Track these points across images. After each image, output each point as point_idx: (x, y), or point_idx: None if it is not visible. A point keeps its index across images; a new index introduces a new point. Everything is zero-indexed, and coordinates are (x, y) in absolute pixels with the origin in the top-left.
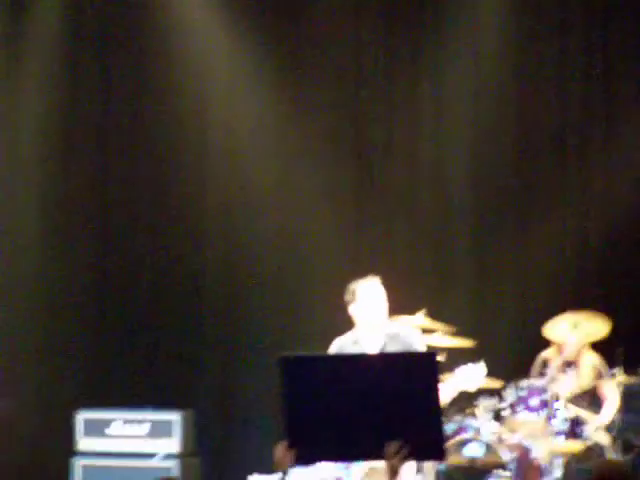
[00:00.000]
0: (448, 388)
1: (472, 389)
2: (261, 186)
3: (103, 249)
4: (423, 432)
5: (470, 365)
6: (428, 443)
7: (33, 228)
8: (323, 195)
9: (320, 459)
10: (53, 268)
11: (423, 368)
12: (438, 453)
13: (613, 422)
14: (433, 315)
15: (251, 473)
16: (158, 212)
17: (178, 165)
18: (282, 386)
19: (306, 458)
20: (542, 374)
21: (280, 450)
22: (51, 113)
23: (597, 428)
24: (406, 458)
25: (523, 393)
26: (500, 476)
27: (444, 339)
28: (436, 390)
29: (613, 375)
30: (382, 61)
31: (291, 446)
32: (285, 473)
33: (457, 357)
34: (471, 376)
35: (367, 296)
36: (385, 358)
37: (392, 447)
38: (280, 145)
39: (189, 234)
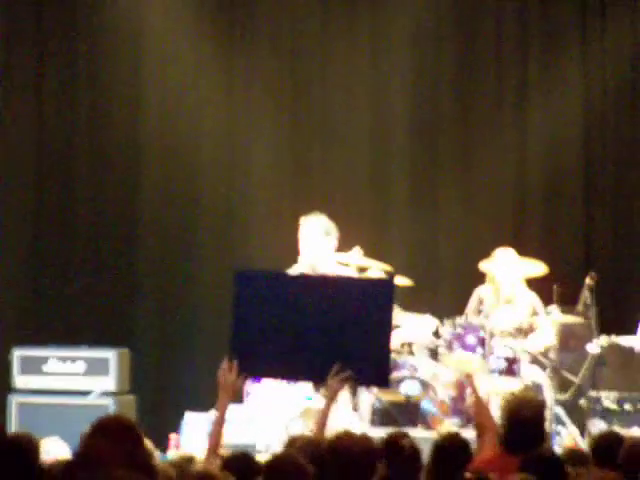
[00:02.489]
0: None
1: (418, 342)
2: (201, 127)
3: (39, 181)
4: (369, 358)
5: (417, 317)
6: (373, 369)
7: None
8: (263, 137)
9: (263, 375)
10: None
11: (378, 294)
12: (382, 380)
13: (550, 360)
14: (370, 253)
15: (187, 410)
16: (96, 146)
17: (116, 111)
18: (234, 300)
19: (249, 371)
20: (478, 311)
21: (225, 366)
22: None
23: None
24: (347, 381)
25: (460, 330)
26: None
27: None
28: (389, 318)
29: (549, 313)
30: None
31: (237, 359)
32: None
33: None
34: (418, 329)
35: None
36: (341, 281)
37: (334, 370)
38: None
39: (128, 171)
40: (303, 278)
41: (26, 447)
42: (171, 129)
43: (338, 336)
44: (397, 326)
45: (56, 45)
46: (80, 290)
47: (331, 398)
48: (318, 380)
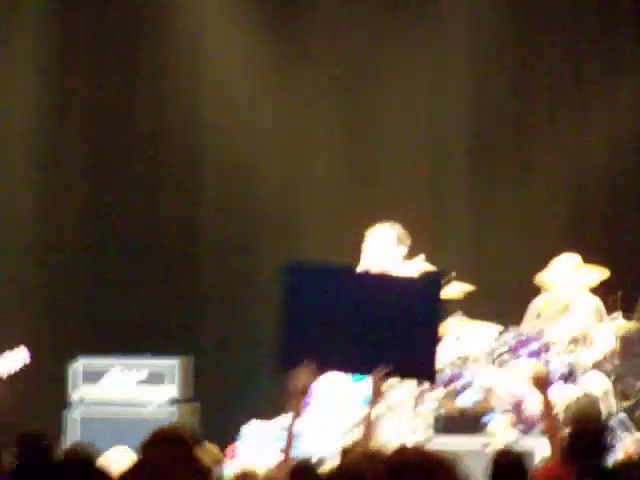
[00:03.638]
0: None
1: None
2: (259, 138)
3: (98, 192)
4: (416, 352)
5: (478, 326)
6: (419, 363)
7: (29, 166)
8: (320, 146)
9: (317, 368)
10: (49, 211)
11: (427, 291)
12: (428, 374)
13: (612, 368)
14: (431, 260)
15: (248, 418)
16: (155, 160)
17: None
18: (284, 293)
19: (296, 364)
20: (535, 319)
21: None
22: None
23: (589, 368)
24: (389, 376)
25: (521, 338)
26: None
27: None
28: (437, 315)
29: (613, 319)
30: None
31: (285, 352)
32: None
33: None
34: (479, 338)
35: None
36: (390, 277)
37: (380, 368)
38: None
39: (187, 182)
40: (352, 272)
41: (84, 458)
42: (229, 141)
43: (386, 330)
44: (457, 337)
45: (115, 61)
46: (143, 298)
47: (375, 394)
48: (365, 373)
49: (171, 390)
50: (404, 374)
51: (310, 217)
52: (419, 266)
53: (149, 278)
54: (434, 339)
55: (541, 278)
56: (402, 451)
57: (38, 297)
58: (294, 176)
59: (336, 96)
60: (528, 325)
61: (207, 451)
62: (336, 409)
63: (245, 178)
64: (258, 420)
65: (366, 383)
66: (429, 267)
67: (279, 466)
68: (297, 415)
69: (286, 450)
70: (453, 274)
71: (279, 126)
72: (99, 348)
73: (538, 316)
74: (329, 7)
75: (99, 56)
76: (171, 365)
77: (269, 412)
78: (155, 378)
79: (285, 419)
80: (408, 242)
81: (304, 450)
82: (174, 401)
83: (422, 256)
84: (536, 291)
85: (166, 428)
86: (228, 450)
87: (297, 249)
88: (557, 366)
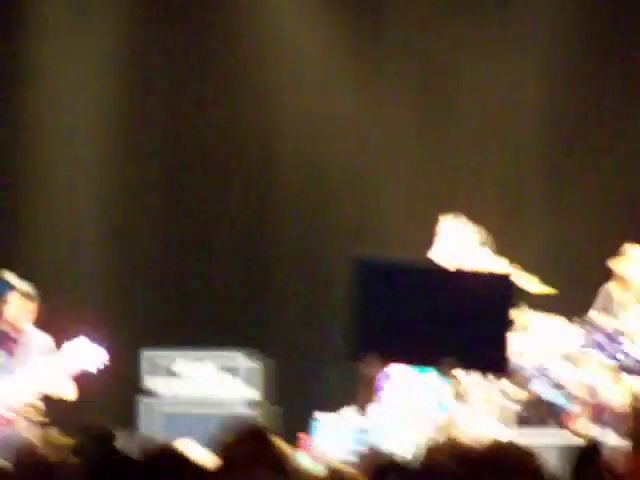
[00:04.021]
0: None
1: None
2: (335, 134)
3: (171, 193)
4: (487, 345)
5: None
6: (491, 357)
7: (106, 160)
8: (394, 142)
9: (385, 359)
10: (120, 205)
11: (498, 286)
12: (500, 367)
13: None
14: (503, 254)
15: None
16: (230, 156)
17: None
18: (355, 286)
19: (362, 354)
20: (605, 309)
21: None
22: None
23: None
24: (455, 366)
25: (589, 329)
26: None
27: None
28: (507, 310)
29: None
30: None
31: (355, 345)
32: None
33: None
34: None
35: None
36: (462, 272)
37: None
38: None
39: (261, 179)
40: (423, 266)
41: (179, 454)
42: (306, 134)
43: (455, 323)
44: (529, 330)
45: (189, 62)
46: (220, 300)
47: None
48: (432, 365)
49: (251, 389)
50: (474, 366)
51: (384, 209)
52: (490, 259)
53: (223, 276)
54: (504, 332)
55: (614, 265)
56: (492, 447)
57: (119, 291)
58: (368, 168)
59: (411, 90)
60: (598, 312)
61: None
62: (412, 406)
63: (320, 171)
64: (329, 412)
65: (439, 382)
66: (500, 260)
67: (361, 462)
68: (367, 405)
69: (367, 447)
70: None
71: (354, 120)
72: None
73: (608, 305)
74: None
75: (175, 52)
76: (251, 364)
77: (340, 405)
78: (235, 376)
79: (353, 410)
80: (480, 235)
81: (382, 446)
82: (253, 400)
83: (492, 248)
84: (600, 282)
85: (246, 425)
86: (301, 442)
87: (372, 241)
88: (627, 357)
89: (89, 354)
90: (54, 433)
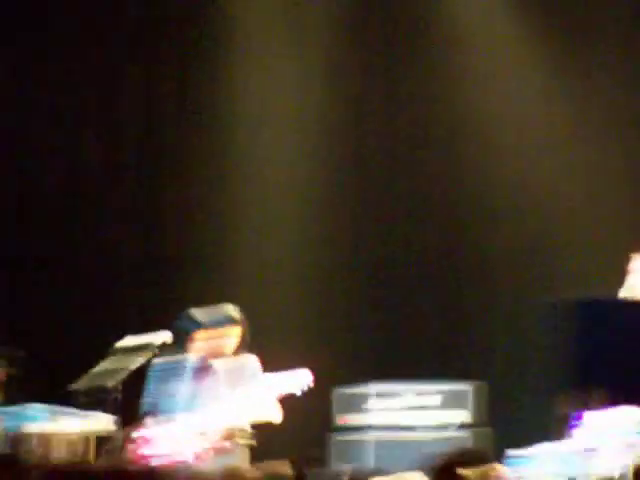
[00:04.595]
0: None
1: None
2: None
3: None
4: None
5: None
6: None
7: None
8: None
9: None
10: (333, 241)
11: None
12: None
13: None
14: None
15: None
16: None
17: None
18: (573, 329)
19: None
20: None
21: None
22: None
23: None
24: None
25: None
26: None
27: None
28: None
29: None
30: None
31: (578, 389)
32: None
33: None
34: None
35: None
36: None
37: None
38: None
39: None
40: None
41: None
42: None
43: None
44: None
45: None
46: (431, 324)
47: None
48: None
49: (464, 414)
50: None
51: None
52: None
53: (433, 303)
54: None
55: None
56: None
57: (322, 319)
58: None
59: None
60: None
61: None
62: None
63: (513, 191)
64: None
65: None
66: None
67: None
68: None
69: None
70: None
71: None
72: (388, 372)
73: None
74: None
75: (392, 62)
76: (464, 390)
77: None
78: (448, 402)
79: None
80: None
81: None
82: (467, 425)
83: None
84: None
85: (462, 452)
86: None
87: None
88: None
89: (294, 376)
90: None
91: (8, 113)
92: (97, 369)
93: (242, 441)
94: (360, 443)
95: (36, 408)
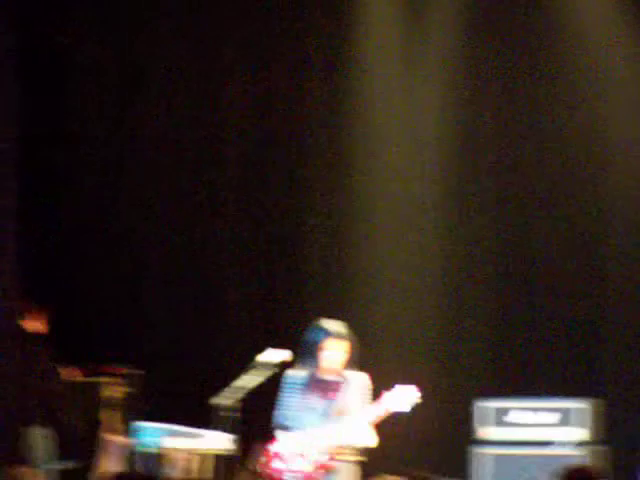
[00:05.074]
0: None
1: None
2: None
3: (503, 239)
4: None
5: None
6: None
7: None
8: None
9: None
10: (457, 254)
11: None
12: None
13: None
14: None
15: None
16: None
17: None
18: None
19: None
20: None
21: None
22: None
23: None
24: None
25: None
26: None
27: None
28: None
29: None
30: None
31: None
32: None
33: None
34: None
35: None
36: None
37: None
38: None
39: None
40: None
41: None
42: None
43: None
44: None
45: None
46: (546, 341)
47: None
48: None
49: (581, 432)
50: None
51: None
52: None
53: (551, 317)
54: None
55: None
56: None
57: (448, 338)
58: None
59: None
60: None
61: None
62: None
63: None
64: None
65: None
66: None
67: None
68: None
69: None
70: None
71: None
72: (502, 389)
73: None
74: None
75: (506, 67)
76: (582, 407)
77: None
78: (564, 420)
79: None
80: None
81: None
82: (584, 443)
83: None
84: None
85: (577, 468)
86: None
87: None
88: None
89: (403, 394)
90: None
91: None
92: (238, 383)
93: (350, 458)
94: (481, 456)
95: (155, 427)
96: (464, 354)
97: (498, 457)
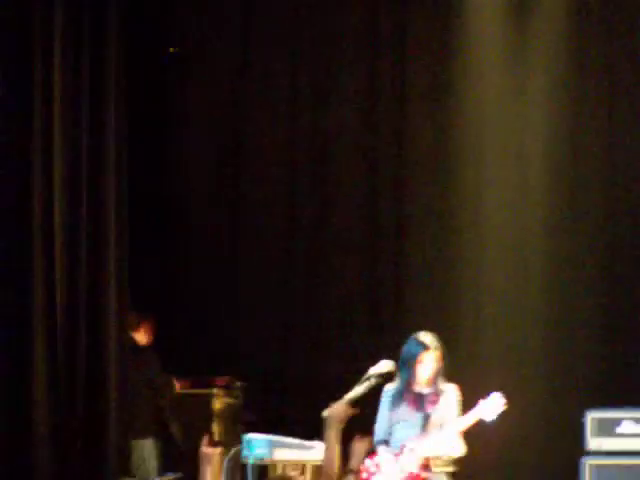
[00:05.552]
0: None
1: None
2: None
3: (613, 249)
4: None
5: None
6: None
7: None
8: None
9: None
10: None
11: None
12: None
13: None
14: None
15: None
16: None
17: None
18: None
19: None
20: None
21: None
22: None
23: None
24: None
25: None
26: None
27: None
28: None
29: None
30: None
31: None
32: None
33: None
34: None
35: None
36: None
37: None
38: None
39: None
40: None
41: None
42: None
43: None
44: None
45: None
46: None
47: None
48: None
49: None
50: None
51: None
52: None
53: None
54: None
55: None
56: None
57: (560, 347)
58: None
59: None
60: None
61: None
62: None
63: None
64: None
65: None
66: None
67: None
68: None
69: None
70: None
71: None
72: (614, 399)
73: None
74: None
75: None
76: None
77: None
78: None
79: None
80: None
81: None
82: None
83: None
84: None
85: None
86: None
87: None
88: None
89: (493, 402)
90: None
91: None
92: (351, 394)
93: (440, 469)
94: (593, 468)
95: (265, 439)
96: (577, 363)
97: (610, 468)
